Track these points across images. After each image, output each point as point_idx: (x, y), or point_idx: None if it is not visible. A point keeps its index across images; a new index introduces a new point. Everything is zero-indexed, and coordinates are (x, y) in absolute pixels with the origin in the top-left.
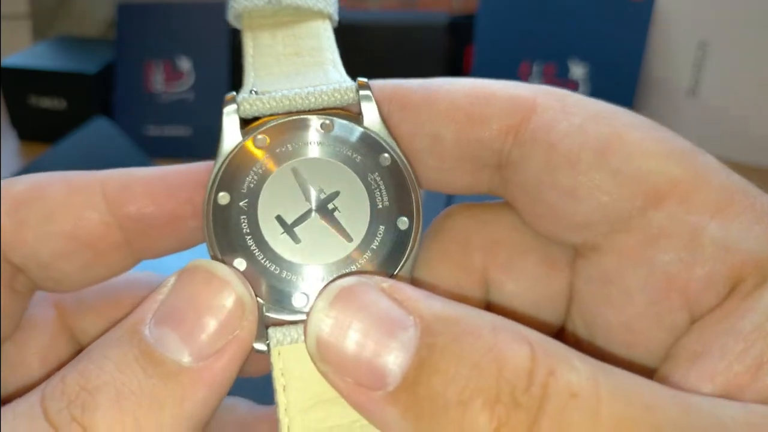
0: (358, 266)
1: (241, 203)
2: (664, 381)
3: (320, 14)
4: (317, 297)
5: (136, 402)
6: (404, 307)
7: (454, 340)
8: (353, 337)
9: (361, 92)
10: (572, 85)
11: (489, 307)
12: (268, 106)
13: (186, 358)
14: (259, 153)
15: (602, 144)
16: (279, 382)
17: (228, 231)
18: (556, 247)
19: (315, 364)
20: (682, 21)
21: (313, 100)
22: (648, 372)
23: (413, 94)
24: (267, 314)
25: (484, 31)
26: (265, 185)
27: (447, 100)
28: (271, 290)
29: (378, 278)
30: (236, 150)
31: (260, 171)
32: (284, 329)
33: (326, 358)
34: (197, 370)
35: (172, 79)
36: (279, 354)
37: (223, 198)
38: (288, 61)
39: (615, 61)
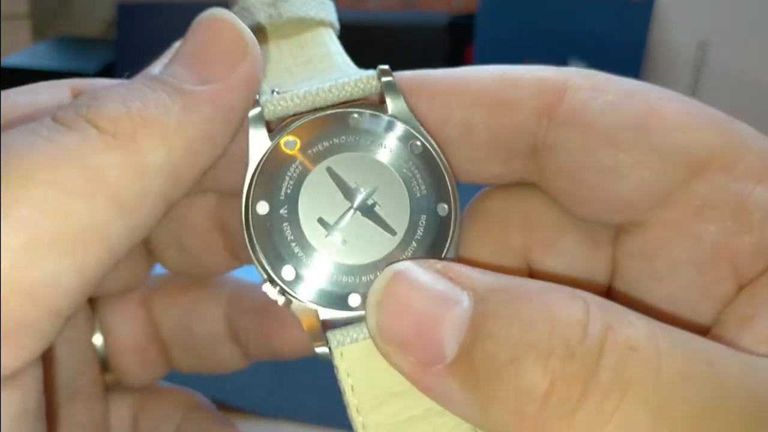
0: (409, 253)
1: (281, 211)
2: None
3: (322, 23)
4: (375, 280)
5: (143, 105)
6: (458, 283)
7: (506, 304)
8: (411, 316)
9: (384, 79)
10: None
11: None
12: (292, 104)
13: (192, 85)
14: (291, 156)
15: (639, 120)
16: (346, 383)
17: (273, 241)
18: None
19: (377, 345)
20: (682, 21)
21: (336, 93)
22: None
23: (441, 83)
24: (324, 318)
25: (484, 31)
26: (302, 189)
27: (476, 86)
28: (324, 294)
29: (431, 261)
30: (267, 155)
31: (295, 175)
32: (343, 330)
33: (387, 338)
34: (202, 92)
35: None
36: (342, 355)
37: (262, 207)
38: (300, 69)
39: (615, 61)
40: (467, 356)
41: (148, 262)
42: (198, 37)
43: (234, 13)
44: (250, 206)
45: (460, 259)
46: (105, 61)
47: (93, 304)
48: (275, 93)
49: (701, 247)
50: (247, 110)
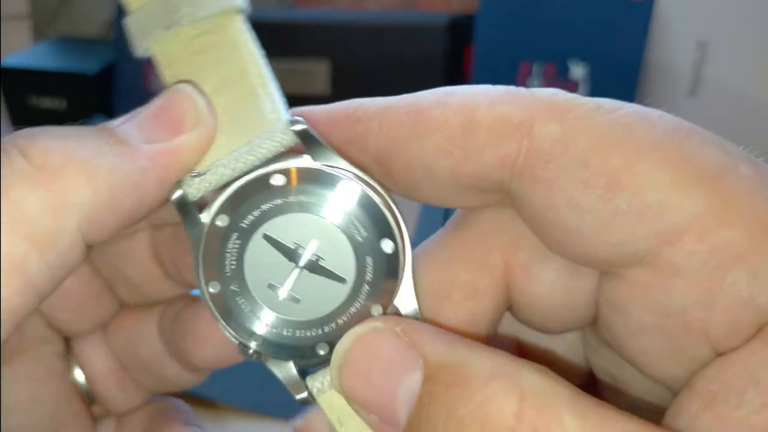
0: (362, 302)
1: (231, 287)
2: (679, 412)
3: (229, 13)
4: (337, 345)
5: (79, 145)
6: (416, 349)
7: (448, 389)
8: (369, 382)
9: (294, 128)
10: (572, 85)
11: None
12: (214, 183)
13: (139, 142)
14: (226, 233)
15: (610, 179)
16: (339, 426)
17: (233, 314)
18: None
19: (347, 402)
20: (682, 21)
21: (253, 158)
22: (668, 395)
23: (401, 126)
24: (298, 371)
25: (484, 31)
26: (245, 261)
27: (437, 130)
28: (294, 351)
29: (393, 320)
30: (204, 238)
31: (235, 250)
32: (319, 376)
33: (351, 399)
34: (141, 147)
35: None
36: (326, 400)
37: (214, 287)
38: (217, 104)
39: (615, 61)
40: (414, 429)
41: (113, 297)
42: (155, 103)
43: (127, 30)
44: (204, 289)
45: (432, 292)
46: (105, 61)
47: (68, 342)
48: (196, 174)
49: (670, 316)
50: (180, 177)
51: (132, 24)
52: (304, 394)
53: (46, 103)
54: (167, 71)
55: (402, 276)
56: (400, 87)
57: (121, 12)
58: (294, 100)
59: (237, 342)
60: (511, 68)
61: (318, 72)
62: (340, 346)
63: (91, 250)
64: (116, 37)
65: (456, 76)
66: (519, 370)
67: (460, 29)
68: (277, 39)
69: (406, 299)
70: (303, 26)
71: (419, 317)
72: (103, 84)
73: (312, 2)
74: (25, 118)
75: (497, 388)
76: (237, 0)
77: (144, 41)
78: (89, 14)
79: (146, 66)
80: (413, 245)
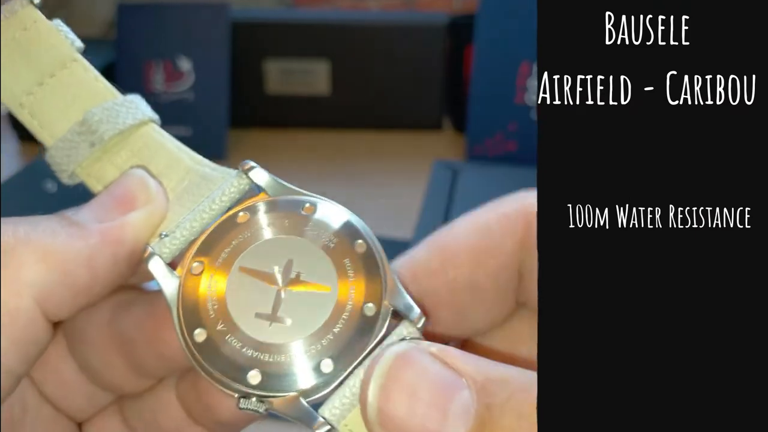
0: (352, 303)
1: (218, 327)
2: None
3: (145, 124)
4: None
5: (32, 228)
6: (455, 369)
7: (510, 398)
8: (415, 405)
9: (247, 172)
10: None
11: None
12: (183, 239)
13: (90, 222)
14: (203, 277)
15: None
16: None
17: (225, 357)
18: None
19: (371, 427)
20: None
21: (217, 207)
22: None
23: (429, 264)
24: (308, 400)
25: (484, 31)
26: (227, 299)
27: (455, 254)
28: (296, 377)
29: (425, 343)
30: (181, 291)
31: (215, 290)
32: (331, 402)
33: (388, 425)
34: (92, 226)
35: (172, 79)
36: (347, 426)
37: (200, 335)
38: (166, 185)
39: None
40: None
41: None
42: (109, 188)
43: (51, 161)
44: (188, 341)
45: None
46: (105, 61)
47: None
48: (162, 236)
49: None
50: (138, 250)
51: (54, 156)
52: (326, 427)
53: None
54: (100, 186)
55: (384, 272)
56: (400, 87)
57: (121, 12)
58: (294, 100)
59: (236, 393)
60: (511, 68)
61: (318, 72)
62: (382, 365)
63: (57, 326)
64: (116, 37)
65: (456, 76)
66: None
67: (460, 29)
68: (277, 39)
69: (396, 295)
70: (303, 26)
71: (417, 311)
72: None
73: (312, 2)
74: None
75: None
76: (150, 111)
77: (69, 167)
78: (89, 14)
79: (146, 66)
80: (415, 244)
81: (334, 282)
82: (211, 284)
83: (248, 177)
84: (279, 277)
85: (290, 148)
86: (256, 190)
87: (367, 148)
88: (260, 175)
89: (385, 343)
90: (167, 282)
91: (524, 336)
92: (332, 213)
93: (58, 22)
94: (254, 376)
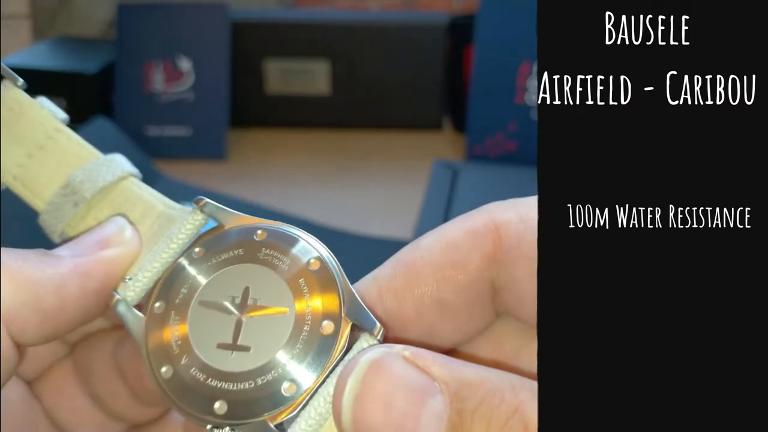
0: (310, 322)
1: (182, 362)
2: None
3: (124, 179)
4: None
5: (7, 257)
6: (429, 374)
7: (481, 403)
8: (389, 413)
9: (200, 207)
10: None
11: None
12: (146, 281)
13: (65, 255)
14: (165, 315)
15: None
16: None
17: (192, 390)
18: None
19: None
20: None
21: (175, 246)
22: None
23: (394, 282)
24: (276, 423)
25: (484, 31)
26: (189, 334)
27: (424, 270)
28: (262, 403)
29: (398, 346)
30: (146, 329)
31: (177, 327)
32: (298, 424)
33: (368, 427)
34: (66, 257)
35: (172, 79)
36: None
37: (167, 371)
38: (141, 231)
39: None
40: None
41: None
42: (89, 231)
43: (43, 224)
44: (157, 377)
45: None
46: (105, 61)
47: None
48: (127, 279)
49: None
50: (108, 288)
51: (45, 220)
52: None
53: None
54: None
55: (341, 287)
56: (400, 87)
57: (121, 12)
58: (294, 100)
59: (205, 424)
60: (511, 68)
61: (318, 72)
62: (356, 372)
63: (22, 353)
64: (116, 37)
65: (456, 76)
66: (531, 381)
67: (460, 29)
68: (277, 39)
69: (354, 309)
70: (303, 26)
71: (376, 323)
72: (103, 84)
73: (312, 2)
74: None
75: (527, 396)
76: (128, 167)
77: (58, 227)
78: (89, 14)
79: (146, 66)
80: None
81: (291, 303)
82: (173, 321)
83: (203, 212)
84: (237, 306)
85: (290, 148)
86: (213, 223)
87: (367, 148)
88: (213, 209)
89: (346, 357)
90: (134, 324)
91: (507, 336)
92: (284, 236)
93: (41, 99)
94: (220, 407)
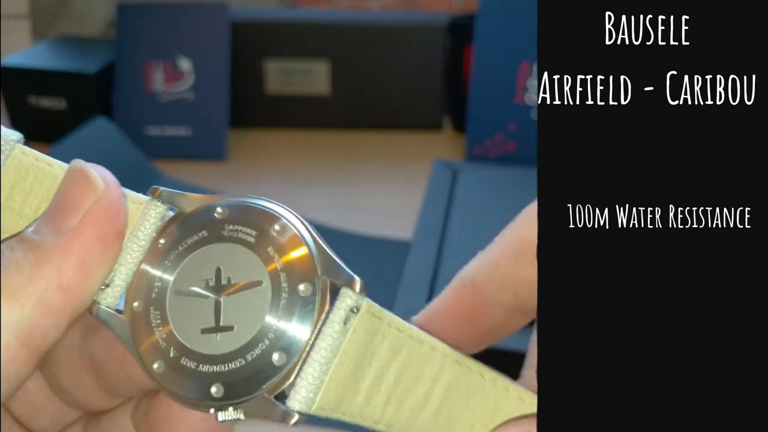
0: (287, 288)
1: (170, 354)
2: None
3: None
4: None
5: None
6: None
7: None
8: None
9: (156, 198)
10: None
11: None
12: (121, 282)
13: (48, 237)
14: (144, 312)
15: None
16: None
17: (185, 378)
18: None
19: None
20: None
21: (143, 243)
22: None
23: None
24: (275, 395)
25: (484, 31)
26: (172, 325)
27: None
28: (257, 376)
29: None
30: (130, 329)
31: (158, 321)
32: (297, 393)
33: None
34: (52, 242)
35: (172, 79)
36: (322, 409)
37: (158, 366)
38: None
39: None
40: None
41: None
42: (59, 189)
43: None
44: (150, 372)
45: None
46: (105, 61)
47: None
48: (104, 287)
49: None
50: (110, 252)
51: None
52: (296, 417)
53: (46, 102)
54: (23, 221)
55: (313, 247)
56: (399, 87)
57: (121, 12)
58: (294, 100)
59: (207, 409)
60: (511, 68)
61: (318, 72)
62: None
63: (42, 355)
64: (116, 37)
65: (456, 76)
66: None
67: (460, 29)
68: (277, 39)
69: (330, 267)
70: (303, 26)
71: (355, 277)
72: (102, 84)
73: (312, 2)
74: (25, 118)
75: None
76: (14, 137)
77: None
78: (89, 14)
79: (146, 66)
80: (415, 244)
81: (264, 274)
82: (154, 317)
83: (160, 201)
84: (212, 289)
85: (290, 148)
86: (174, 210)
87: (367, 148)
88: (169, 196)
89: (330, 318)
90: (119, 327)
91: None
92: (245, 208)
93: None
94: (217, 390)
